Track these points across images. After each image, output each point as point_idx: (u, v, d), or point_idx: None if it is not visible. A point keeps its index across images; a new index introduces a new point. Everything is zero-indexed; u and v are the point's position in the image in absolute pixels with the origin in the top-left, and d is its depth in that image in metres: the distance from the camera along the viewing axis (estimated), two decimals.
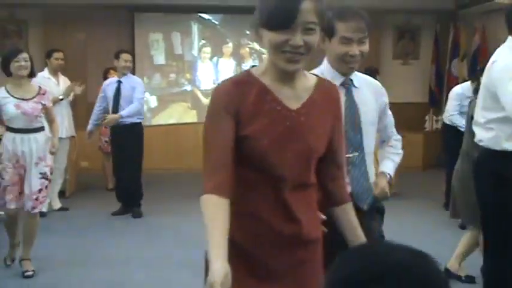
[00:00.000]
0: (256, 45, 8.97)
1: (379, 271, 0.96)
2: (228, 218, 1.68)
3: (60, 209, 6.40)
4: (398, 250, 1.02)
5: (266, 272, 1.81)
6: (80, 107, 7.68)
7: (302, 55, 1.70)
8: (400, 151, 2.73)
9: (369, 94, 2.51)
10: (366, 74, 2.65)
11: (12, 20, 8.92)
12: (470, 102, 3.95)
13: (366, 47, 2.36)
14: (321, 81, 1.89)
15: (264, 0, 1.72)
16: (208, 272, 1.57)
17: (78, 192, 7.35)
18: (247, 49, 9.21)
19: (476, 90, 3.99)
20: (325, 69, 2.41)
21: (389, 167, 2.65)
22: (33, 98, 4.31)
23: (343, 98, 2.28)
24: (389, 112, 2.67)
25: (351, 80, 2.44)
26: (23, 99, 4.27)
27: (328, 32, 2.20)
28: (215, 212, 1.68)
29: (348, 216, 1.94)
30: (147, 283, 4.11)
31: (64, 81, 6.55)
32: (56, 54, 6.48)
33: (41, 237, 5.37)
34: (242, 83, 1.78)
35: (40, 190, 4.25)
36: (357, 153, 2.41)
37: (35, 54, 7.13)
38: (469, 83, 5.76)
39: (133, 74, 8.95)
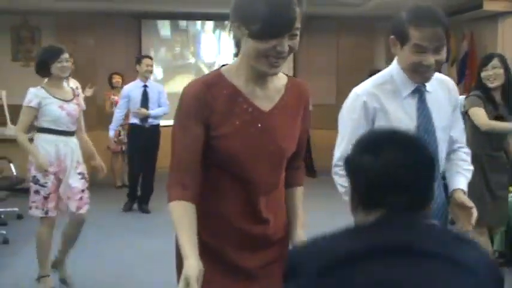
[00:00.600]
0: None
1: None
2: (195, 221, 1.64)
3: None
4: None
5: (237, 272, 1.75)
6: (89, 110, 7.66)
7: (284, 59, 1.60)
8: (472, 167, 2.26)
9: (442, 96, 2.16)
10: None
11: (26, 26, 8.93)
12: (466, 98, 3.91)
13: (442, 56, 2.00)
14: (292, 81, 1.79)
15: (252, 10, 1.53)
16: (183, 268, 1.53)
17: (88, 190, 7.34)
18: None
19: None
20: (395, 73, 2.10)
21: (464, 184, 2.18)
22: (72, 99, 3.94)
23: (415, 106, 2.08)
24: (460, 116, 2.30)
25: (424, 85, 2.09)
26: (65, 101, 3.88)
27: (401, 38, 2.01)
28: (183, 215, 1.63)
29: (294, 201, 1.87)
30: (155, 274, 4.12)
31: (74, 84, 6.55)
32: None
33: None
34: (212, 85, 1.66)
35: (83, 190, 4.01)
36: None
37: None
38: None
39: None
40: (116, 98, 7.35)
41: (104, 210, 6.34)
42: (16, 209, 5.88)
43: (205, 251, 1.65)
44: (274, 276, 1.74)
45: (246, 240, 1.73)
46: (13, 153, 6.27)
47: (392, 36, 2.07)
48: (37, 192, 3.77)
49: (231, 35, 1.66)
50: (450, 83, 2.22)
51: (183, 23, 9.25)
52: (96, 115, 8.40)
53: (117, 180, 7.62)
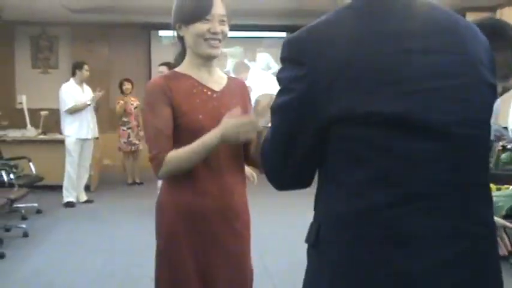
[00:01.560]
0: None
1: None
2: None
3: (86, 201, 6.40)
4: None
5: (212, 237, 1.79)
6: (103, 113, 7.68)
7: (220, 42, 1.78)
8: None
9: None
10: None
11: (44, 36, 8.93)
12: None
13: (511, 82, 1.60)
14: (231, 78, 1.94)
15: (182, 7, 1.79)
16: (224, 130, 1.66)
17: (102, 186, 7.34)
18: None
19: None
20: None
21: None
22: None
23: None
24: None
25: None
26: None
27: None
28: (180, 149, 1.71)
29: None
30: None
31: (88, 90, 6.52)
32: (86, 66, 6.44)
33: (68, 225, 5.38)
34: (170, 78, 1.81)
35: None
36: None
37: (63, 66, 7.17)
38: None
39: (150, 78, 8.99)
40: (122, 102, 7.36)
41: (117, 205, 6.34)
42: (35, 204, 5.87)
43: (180, 213, 1.76)
44: (244, 243, 1.86)
45: (214, 209, 1.77)
46: (32, 153, 6.27)
47: None
48: None
49: (177, 40, 1.85)
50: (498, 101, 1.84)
51: None
52: (108, 118, 8.40)
53: (129, 178, 7.63)
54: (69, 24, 8.64)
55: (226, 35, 1.80)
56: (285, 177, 1.17)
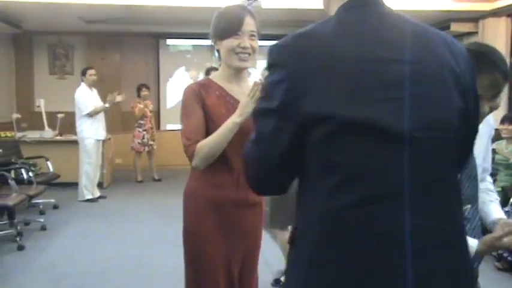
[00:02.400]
0: None
1: None
2: None
3: (99, 197, 6.41)
4: None
5: (230, 219, 1.92)
6: (115, 115, 7.72)
7: (249, 55, 1.87)
8: (497, 197, 1.84)
9: (481, 133, 1.49)
10: None
11: (60, 44, 8.95)
12: None
13: (497, 102, 1.53)
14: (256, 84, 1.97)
15: (218, 24, 1.89)
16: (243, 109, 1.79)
17: (113, 183, 7.36)
18: None
19: None
20: None
21: (501, 213, 1.75)
22: None
23: None
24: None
25: None
26: None
27: None
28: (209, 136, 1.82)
29: None
30: (170, 257, 4.12)
31: (95, 93, 6.48)
32: (90, 71, 6.39)
33: (83, 219, 5.40)
34: (203, 85, 1.92)
35: None
36: (469, 206, 1.65)
37: (78, 72, 7.17)
38: None
39: (158, 85, 9.01)
40: (141, 105, 7.39)
41: (128, 200, 6.35)
42: (52, 200, 5.89)
43: (208, 206, 1.88)
44: (257, 220, 2.00)
45: (233, 203, 1.90)
46: (50, 153, 6.29)
47: None
48: None
49: (215, 53, 1.96)
50: (491, 121, 1.77)
51: (193, 41, 9.29)
52: (120, 121, 8.43)
53: (138, 176, 7.64)
54: (84, 34, 8.66)
55: (256, 49, 1.89)
56: (264, 181, 1.15)
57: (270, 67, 1.09)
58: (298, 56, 1.05)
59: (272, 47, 1.10)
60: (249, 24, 1.87)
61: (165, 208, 5.96)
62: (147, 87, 7.68)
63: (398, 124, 1.02)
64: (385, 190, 1.02)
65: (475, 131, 1.18)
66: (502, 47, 6.60)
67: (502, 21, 6.62)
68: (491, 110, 1.55)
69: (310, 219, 1.07)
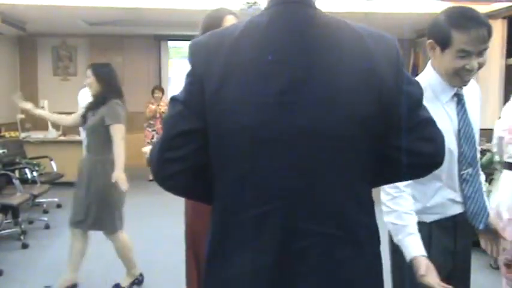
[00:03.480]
0: None
1: None
2: None
3: None
4: None
5: None
6: None
7: None
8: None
9: (474, 99, 1.76)
10: None
11: (64, 46, 8.94)
12: None
13: (484, 58, 1.62)
14: None
15: (202, 24, 1.82)
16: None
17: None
18: None
19: None
20: (433, 79, 1.67)
21: (489, 206, 1.78)
22: None
23: (455, 110, 1.68)
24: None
25: (461, 89, 1.70)
26: None
27: (441, 42, 1.59)
28: None
29: None
30: (177, 255, 4.12)
31: None
32: (88, 72, 6.39)
33: None
34: None
35: None
36: (470, 169, 1.69)
37: (82, 73, 7.19)
38: None
39: (160, 84, 9.04)
40: (153, 107, 7.57)
41: (135, 199, 6.33)
42: (56, 199, 5.89)
43: None
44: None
45: None
46: (53, 153, 6.29)
47: (430, 41, 1.63)
48: None
49: None
50: (477, 87, 1.80)
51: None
52: (127, 121, 8.42)
53: (149, 175, 7.67)
54: (87, 36, 8.66)
55: None
56: (163, 165, 1.09)
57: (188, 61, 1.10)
58: (205, 53, 1.05)
59: (190, 43, 1.10)
60: (229, 23, 1.76)
61: (175, 206, 5.97)
62: (161, 89, 7.85)
63: (287, 128, 1.00)
64: (272, 192, 1.02)
65: (404, 129, 1.09)
66: (498, 49, 6.61)
67: (498, 23, 6.63)
68: (480, 66, 1.59)
69: (214, 216, 1.10)
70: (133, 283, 3.61)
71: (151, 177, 7.63)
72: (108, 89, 3.57)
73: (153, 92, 7.71)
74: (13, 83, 8.69)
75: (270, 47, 1.02)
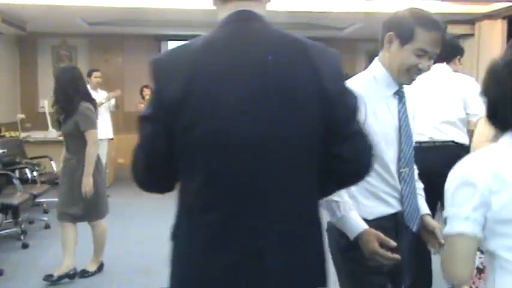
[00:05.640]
0: None
1: None
2: None
3: None
4: None
5: None
6: (117, 116, 7.70)
7: None
8: (422, 185, 1.88)
9: (410, 100, 1.78)
10: None
11: (64, 46, 8.94)
12: None
13: (431, 63, 1.65)
14: None
15: None
16: None
17: (116, 182, 7.36)
18: None
19: None
20: (379, 73, 1.71)
21: (426, 207, 1.83)
22: None
23: (396, 108, 1.70)
24: None
25: (403, 87, 1.73)
26: None
27: (403, 36, 1.61)
28: None
29: None
30: None
31: (102, 94, 6.53)
32: (96, 73, 6.44)
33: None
34: None
35: None
36: (407, 169, 1.71)
37: (82, 73, 7.19)
38: None
39: None
40: (142, 105, 7.39)
41: (131, 199, 6.35)
42: (56, 199, 5.87)
43: None
44: None
45: None
46: (53, 153, 6.29)
47: (391, 33, 1.65)
48: None
49: None
50: (410, 90, 1.81)
51: None
52: (122, 121, 8.42)
53: None
54: (86, 36, 8.66)
55: None
56: (149, 179, 1.25)
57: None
58: (167, 69, 1.15)
59: (151, 61, 1.20)
60: None
61: (168, 207, 5.97)
62: (149, 88, 7.68)
63: (249, 135, 1.10)
64: (234, 194, 1.12)
65: (351, 130, 1.20)
66: (497, 49, 6.61)
67: (498, 23, 6.63)
68: (426, 70, 1.64)
69: (180, 217, 1.20)
70: (98, 269, 3.87)
71: None
72: (75, 93, 3.61)
73: (141, 91, 7.62)
74: (13, 83, 8.69)
75: (229, 61, 1.12)
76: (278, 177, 1.12)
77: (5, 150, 5.66)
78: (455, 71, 3.14)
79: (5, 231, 4.60)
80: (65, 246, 3.74)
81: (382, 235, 1.56)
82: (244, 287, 1.14)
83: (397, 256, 1.54)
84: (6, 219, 4.79)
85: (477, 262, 2.73)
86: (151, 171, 1.21)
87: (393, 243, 1.55)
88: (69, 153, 3.72)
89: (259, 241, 1.12)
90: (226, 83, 1.10)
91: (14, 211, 4.60)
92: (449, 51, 3.05)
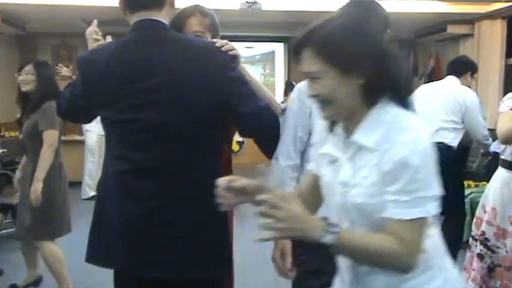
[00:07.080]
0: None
1: None
2: None
3: None
4: None
5: None
6: None
7: None
8: None
9: None
10: None
11: (64, 46, 8.96)
12: None
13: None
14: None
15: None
16: None
17: None
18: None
19: None
20: None
21: None
22: None
23: None
24: None
25: None
26: None
27: None
28: None
29: None
30: None
31: None
32: None
33: (87, 216, 5.39)
34: None
35: None
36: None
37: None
38: None
39: None
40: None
41: None
42: None
43: None
44: None
45: None
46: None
47: None
48: None
49: None
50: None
51: None
52: None
53: None
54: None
55: None
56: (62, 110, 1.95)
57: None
58: (86, 67, 1.66)
59: (77, 57, 1.75)
60: (193, 25, 1.76)
61: None
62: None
63: (144, 120, 1.51)
64: (137, 164, 1.53)
65: (245, 115, 1.56)
66: (497, 49, 6.62)
67: (498, 23, 6.63)
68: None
69: (102, 180, 1.68)
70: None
71: None
72: (47, 90, 3.26)
73: None
74: (13, 83, 8.69)
75: (132, 60, 1.54)
76: (170, 151, 1.54)
77: (5, 150, 5.66)
78: (467, 85, 3.71)
79: (5, 231, 4.60)
80: (54, 271, 3.29)
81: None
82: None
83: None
84: (6, 219, 4.80)
85: (488, 261, 2.74)
86: (70, 110, 1.82)
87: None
88: (29, 159, 3.23)
89: (154, 202, 1.55)
90: (129, 78, 1.53)
91: (13, 211, 4.60)
92: (461, 67, 3.78)
